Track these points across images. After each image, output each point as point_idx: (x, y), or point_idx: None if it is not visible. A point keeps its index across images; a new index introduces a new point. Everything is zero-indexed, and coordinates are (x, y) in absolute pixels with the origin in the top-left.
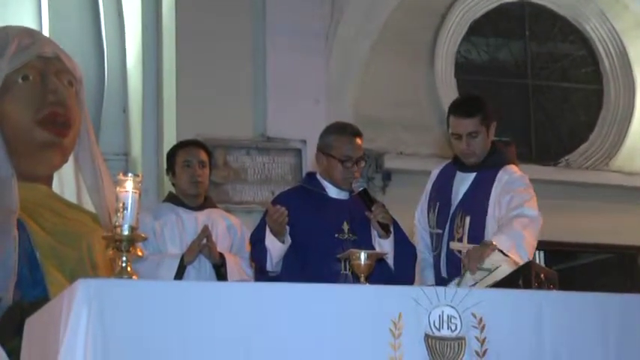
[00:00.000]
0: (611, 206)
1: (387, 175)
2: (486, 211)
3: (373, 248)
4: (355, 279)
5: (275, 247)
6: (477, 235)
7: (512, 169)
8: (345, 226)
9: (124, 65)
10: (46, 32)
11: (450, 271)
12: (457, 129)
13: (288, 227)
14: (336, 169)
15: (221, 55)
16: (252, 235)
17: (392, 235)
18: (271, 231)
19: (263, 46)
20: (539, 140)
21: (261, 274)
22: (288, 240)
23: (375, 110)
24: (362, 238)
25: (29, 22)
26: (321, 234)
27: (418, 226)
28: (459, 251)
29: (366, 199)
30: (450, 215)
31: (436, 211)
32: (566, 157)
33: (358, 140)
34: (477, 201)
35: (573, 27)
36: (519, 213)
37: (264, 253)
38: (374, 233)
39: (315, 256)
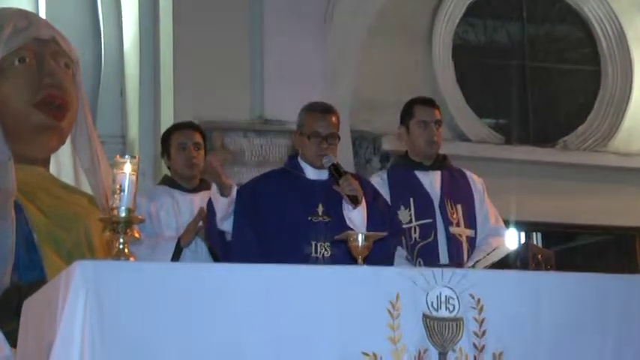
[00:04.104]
0: (608, 187)
1: (385, 157)
2: (474, 202)
3: (348, 230)
4: (326, 263)
5: (217, 200)
6: (471, 221)
7: (472, 173)
8: (320, 208)
9: (121, 47)
10: (42, 15)
11: (451, 256)
12: (426, 116)
13: (235, 185)
14: (308, 147)
15: (218, 37)
16: None
17: (361, 206)
18: (216, 185)
19: (260, 29)
20: (537, 122)
21: (211, 235)
22: (233, 196)
23: (373, 92)
24: (336, 220)
25: (26, 5)
26: (293, 216)
27: None
28: (460, 235)
29: (335, 173)
30: (439, 204)
31: (411, 205)
32: (563, 139)
33: (329, 117)
34: (461, 193)
35: (571, 8)
36: (497, 233)
37: (212, 207)
38: (346, 207)
39: (285, 238)
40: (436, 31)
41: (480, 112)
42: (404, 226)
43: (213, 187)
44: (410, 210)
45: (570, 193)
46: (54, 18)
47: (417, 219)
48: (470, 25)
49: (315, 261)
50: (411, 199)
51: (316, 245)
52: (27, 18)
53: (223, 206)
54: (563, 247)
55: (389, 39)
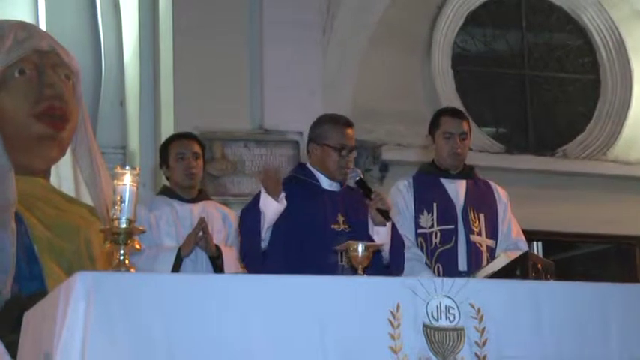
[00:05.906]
0: (608, 196)
1: (385, 167)
2: (497, 213)
3: (369, 239)
4: (353, 271)
5: (270, 208)
6: (493, 231)
7: (497, 185)
8: (340, 218)
9: (121, 58)
10: (42, 26)
11: (470, 263)
12: (450, 128)
13: (283, 192)
14: (331, 159)
15: (218, 47)
16: (240, 213)
17: (390, 223)
18: (267, 191)
19: (260, 39)
20: (537, 131)
21: (250, 250)
22: (284, 202)
23: (372, 102)
24: (356, 230)
25: (26, 16)
26: (317, 225)
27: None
28: (480, 244)
29: (364, 187)
30: (461, 212)
31: (434, 210)
32: (563, 148)
33: (352, 130)
34: (485, 203)
35: (570, 17)
36: (516, 246)
37: (258, 218)
38: (370, 222)
39: (311, 247)
40: (435, 40)
41: (480, 121)
42: (425, 230)
43: (263, 194)
44: (432, 215)
45: (570, 202)
46: (54, 29)
47: (438, 224)
48: (469, 34)
49: (342, 270)
50: (434, 205)
51: (341, 253)
52: (27, 30)
53: (277, 212)
54: (562, 256)
55: (388, 49)
